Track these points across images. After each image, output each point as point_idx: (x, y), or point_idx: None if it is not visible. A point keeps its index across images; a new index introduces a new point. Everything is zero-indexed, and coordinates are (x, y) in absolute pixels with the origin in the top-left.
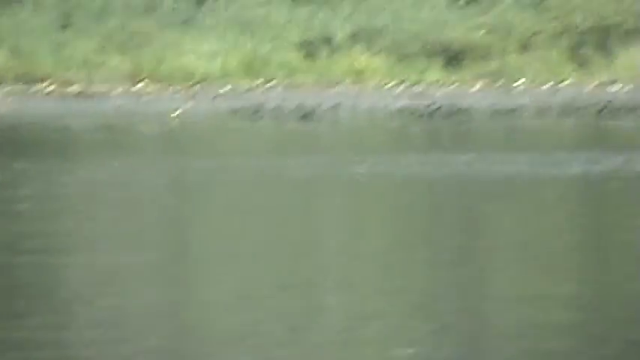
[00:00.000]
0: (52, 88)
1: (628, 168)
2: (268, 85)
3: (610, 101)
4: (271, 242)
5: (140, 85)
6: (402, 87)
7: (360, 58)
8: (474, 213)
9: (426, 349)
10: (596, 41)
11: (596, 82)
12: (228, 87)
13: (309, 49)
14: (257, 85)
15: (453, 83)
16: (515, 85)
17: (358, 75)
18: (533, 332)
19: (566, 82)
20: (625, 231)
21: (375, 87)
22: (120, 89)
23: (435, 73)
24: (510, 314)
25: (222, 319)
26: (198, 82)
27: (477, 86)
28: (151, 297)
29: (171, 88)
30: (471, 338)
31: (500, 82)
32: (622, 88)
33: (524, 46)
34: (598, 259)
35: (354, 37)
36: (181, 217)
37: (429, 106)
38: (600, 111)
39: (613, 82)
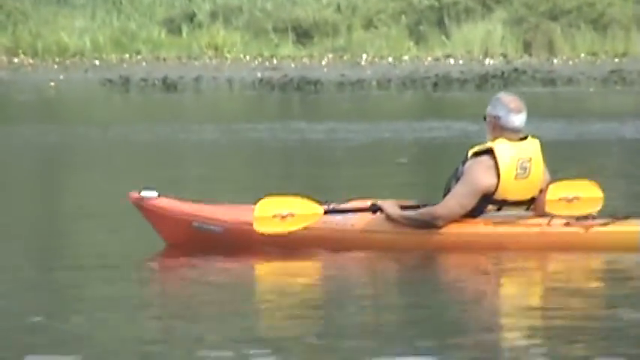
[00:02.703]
0: None
1: (459, 135)
2: (135, 58)
3: (445, 74)
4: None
5: (18, 59)
6: (257, 61)
7: (219, 34)
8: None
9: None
10: (433, 20)
11: (433, 57)
12: (99, 61)
13: (172, 25)
14: (125, 59)
15: (303, 57)
16: (360, 59)
17: (218, 49)
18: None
19: (406, 57)
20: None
21: (233, 60)
22: None
23: (287, 48)
24: None
25: None
26: (71, 56)
27: (326, 60)
28: None
29: (46, 61)
30: None
31: (346, 57)
32: (456, 62)
33: (368, 24)
34: None
35: (214, 15)
36: (39, 176)
37: (282, 78)
38: (436, 83)
39: (448, 56)
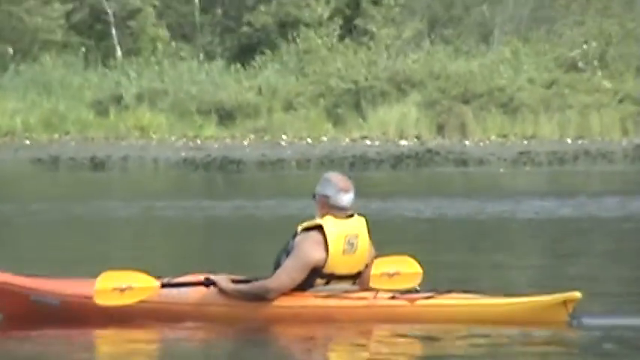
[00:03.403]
0: None
1: (376, 212)
2: (64, 138)
3: (362, 154)
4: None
5: None
6: (182, 141)
7: (145, 116)
8: (234, 249)
9: None
10: (350, 102)
11: (350, 138)
12: (29, 140)
13: (100, 107)
14: (54, 139)
15: (226, 138)
16: (280, 139)
17: (144, 130)
18: None
19: (324, 138)
20: None
21: (158, 141)
22: None
23: (210, 129)
24: None
25: None
26: (3, 136)
27: (247, 140)
28: None
29: None
30: None
31: (267, 137)
32: (372, 143)
33: (288, 106)
34: None
35: (140, 98)
36: None
37: (205, 157)
38: (353, 163)
39: (364, 138)
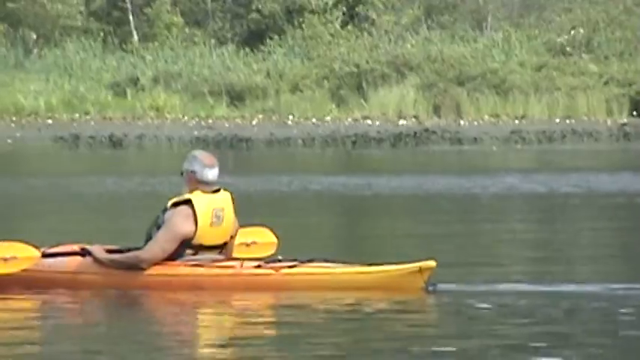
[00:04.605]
0: None
1: (375, 189)
2: (84, 118)
3: (363, 134)
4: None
5: None
6: (194, 120)
7: (161, 97)
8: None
9: None
10: (352, 85)
11: (352, 118)
12: (52, 120)
13: (118, 89)
14: (75, 119)
15: (236, 118)
16: (287, 119)
17: (159, 110)
18: None
19: (328, 118)
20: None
21: (172, 120)
22: None
23: (221, 109)
24: None
25: None
26: (27, 116)
27: (256, 120)
28: None
29: (4, 120)
30: None
31: (275, 117)
32: (373, 123)
33: (294, 88)
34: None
35: (155, 80)
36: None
37: (216, 136)
38: (355, 142)
39: (365, 118)
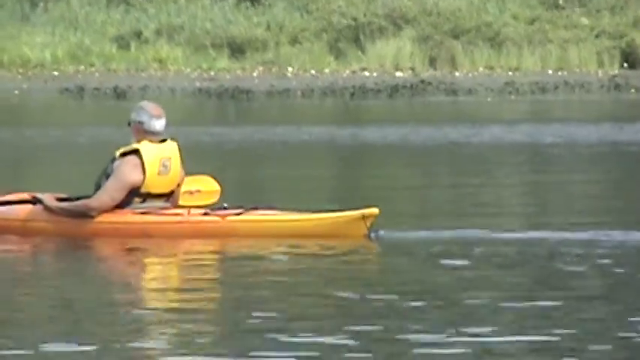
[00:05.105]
0: None
1: (372, 139)
2: (89, 70)
3: (361, 85)
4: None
5: None
6: (196, 72)
7: (164, 49)
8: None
9: None
10: (350, 37)
11: (350, 70)
12: (57, 72)
13: (122, 41)
14: (80, 71)
15: (237, 70)
16: (286, 71)
17: (162, 63)
18: None
19: (327, 70)
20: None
21: (175, 72)
22: None
23: (222, 61)
24: None
25: None
26: (33, 68)
27: (257, 72)
28: None
29: (11, 72)
30: None
31: (274, 69)
32: (370, 75)
33: (294, 41)
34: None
35: (159, 33)
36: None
37: (218, 87)
38: (353, 93)
39: (363, 70)
